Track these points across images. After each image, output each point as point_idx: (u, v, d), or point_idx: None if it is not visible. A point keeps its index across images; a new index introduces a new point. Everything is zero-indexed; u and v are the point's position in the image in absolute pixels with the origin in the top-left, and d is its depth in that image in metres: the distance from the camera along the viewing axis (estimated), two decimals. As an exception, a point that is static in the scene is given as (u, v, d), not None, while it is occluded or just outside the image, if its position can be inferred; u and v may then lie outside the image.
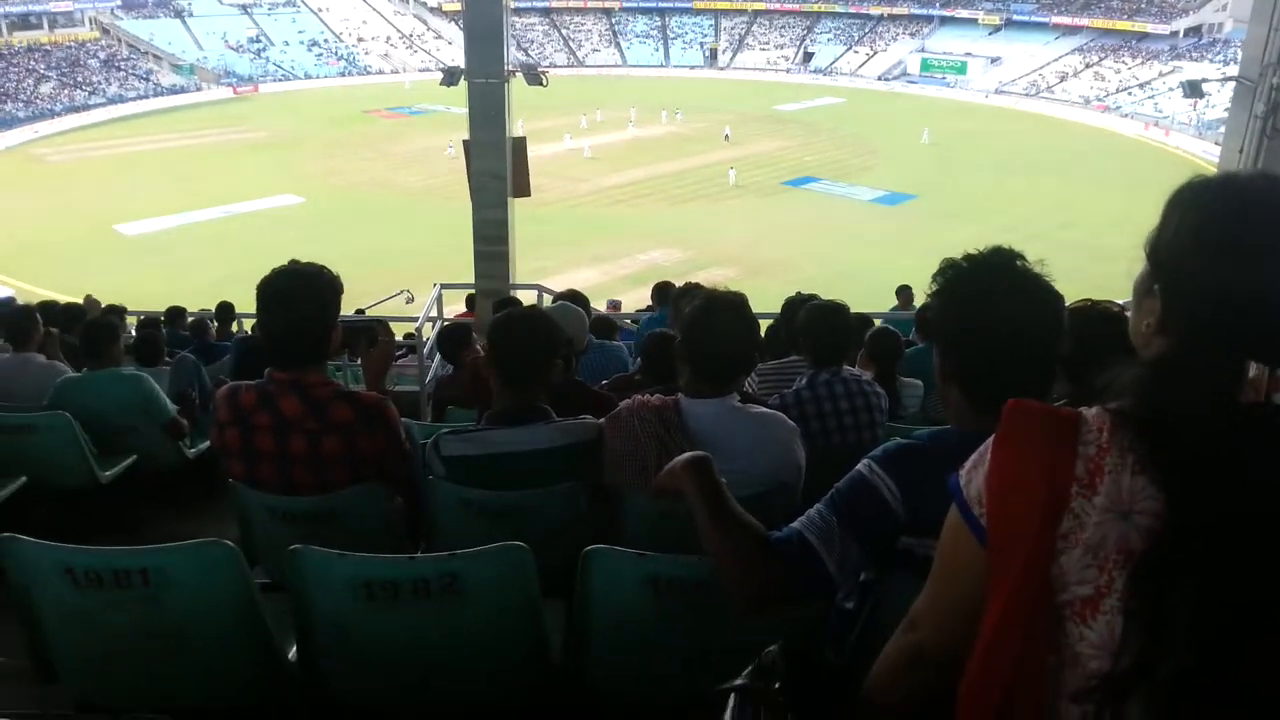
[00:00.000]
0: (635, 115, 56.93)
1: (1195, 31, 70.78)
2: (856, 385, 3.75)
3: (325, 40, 79.94)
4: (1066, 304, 1.85)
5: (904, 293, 12.91)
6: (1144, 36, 71.34)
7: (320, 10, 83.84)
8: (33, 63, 63.95)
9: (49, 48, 66.35)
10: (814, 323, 3.95)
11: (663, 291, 9.16)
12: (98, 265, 30.07)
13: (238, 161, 46.00)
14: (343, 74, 75.75)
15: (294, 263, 2.96)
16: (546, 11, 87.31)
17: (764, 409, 2.92)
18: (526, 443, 2.93)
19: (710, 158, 47.86)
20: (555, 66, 77.34)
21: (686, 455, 1.94)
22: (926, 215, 38.17)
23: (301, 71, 74.62)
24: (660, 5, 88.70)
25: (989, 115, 62.73)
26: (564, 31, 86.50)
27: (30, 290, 25.12)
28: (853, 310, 4.45)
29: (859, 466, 1.87)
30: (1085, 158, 49.37)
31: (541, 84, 13.59)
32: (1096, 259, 30.67)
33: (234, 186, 40.34)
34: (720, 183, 43.01)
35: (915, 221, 37.34)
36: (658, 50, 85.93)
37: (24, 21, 66.98)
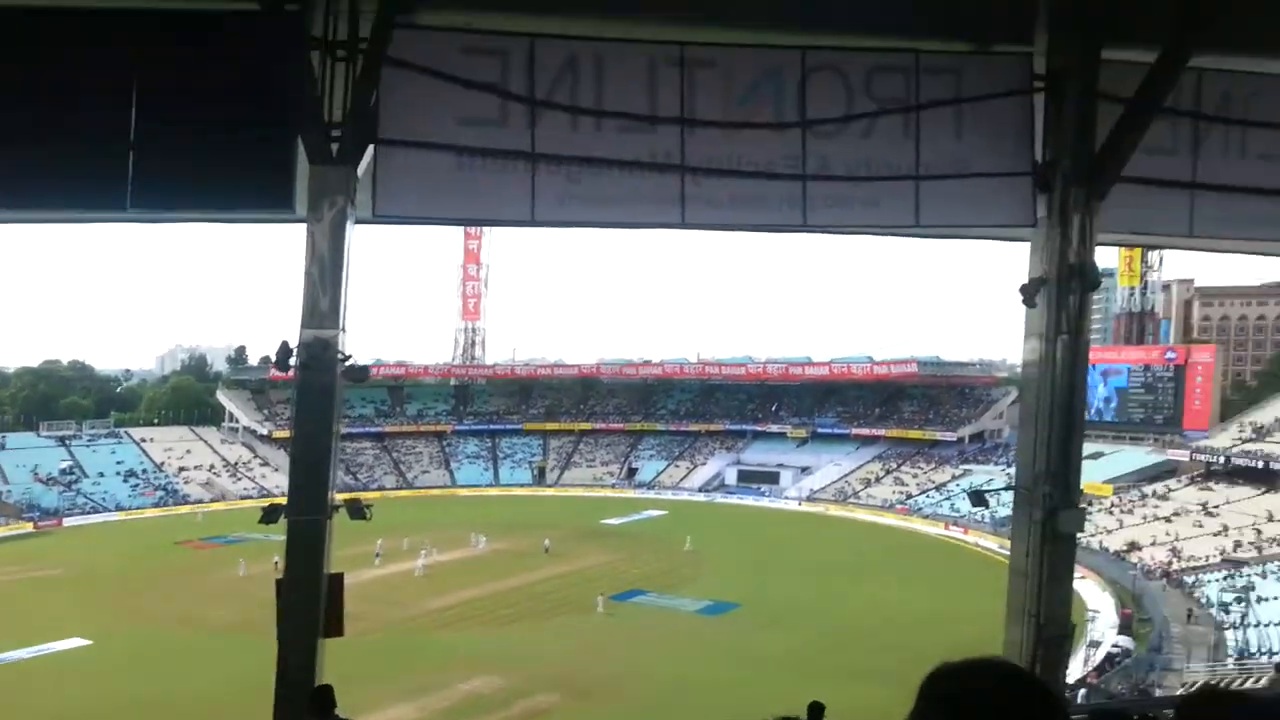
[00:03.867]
0: (470, 537, 56.62)
1: (979, 438, 79.48)
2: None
3: (144, 470, 77.90)
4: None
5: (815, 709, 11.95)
6: (935, 444, 79.23)
7: (143, 440, 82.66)
8: None
9: None
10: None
11: None
12: None
13: (22, 603, 41.90)
14: (158, 504, 72.97)
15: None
16: (379, 436, 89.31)
17: None
18: None
19: (537, 575, 47.72)
20: (384, 489, 77.86)
21: None
22: (750, 624, 38.57)
23: (113, 503, 71.43)
24: (490, 427, 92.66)
25: (802, 521, 66.39)
26: (394, 455, 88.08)
27: None
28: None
29: None
30: (895, 558, 52.02)
31: (365, 518, 13.24)
32: (919, 661, 31.29)
33: (12, 631, 36.31)
34: (548, 599, 42.63)
35: (739, 631, 37.59)
36: (487, 470, 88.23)
37: None
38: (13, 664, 33.02)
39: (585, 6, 7.36)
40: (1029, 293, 8.41)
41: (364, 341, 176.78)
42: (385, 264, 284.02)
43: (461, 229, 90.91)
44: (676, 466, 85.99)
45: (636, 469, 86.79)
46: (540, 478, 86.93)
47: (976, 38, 8.03)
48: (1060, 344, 8.19)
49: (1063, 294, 8.16)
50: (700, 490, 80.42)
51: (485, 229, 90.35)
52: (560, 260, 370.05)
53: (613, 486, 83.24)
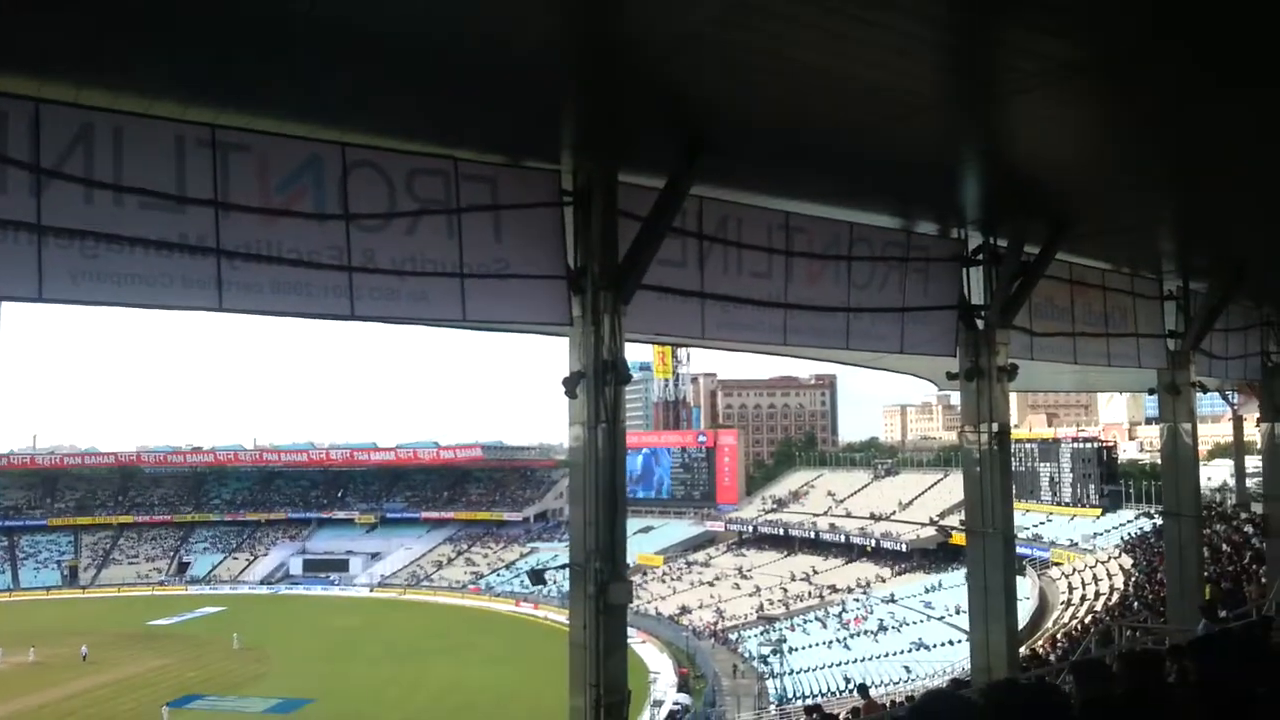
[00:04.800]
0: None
1: (543, 517, 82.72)
2: None
3: None
4: None
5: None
6: (503, 524, 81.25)
7: None
8: None
9: None
10: None
11: None
12: None
13: None
14: None
15: None
16: None
17: None
18: None
19: (75, 686, 42.15)
20: None
21: None
22: (326, 719, 36.64)
23: None
24: (6, 524, 79.91)
25: (375, 608, 64.50)
26: None
27: None
28: None
29: None
30: (471, 638, 52.29)
31: None
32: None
33: None
34: (91, 713, 38.18)
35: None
36: (3, 572, 76.00)
37: None
38: None
39: (93, 76, 6.72)
40: (570, 385, 8.95)
41: None
42: None
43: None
44: (235, 559, 79.76)
45: (189, 563, 79.39)
46: (72, 578, 76.35)
47: (508, 153, 8.59)
48: (600, 431, 8.75)
49: (599, 386, 8.77)
50: (263, 583, 75.48)
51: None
52: (91, 339, 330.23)
53: (161, 584, 75.45)
